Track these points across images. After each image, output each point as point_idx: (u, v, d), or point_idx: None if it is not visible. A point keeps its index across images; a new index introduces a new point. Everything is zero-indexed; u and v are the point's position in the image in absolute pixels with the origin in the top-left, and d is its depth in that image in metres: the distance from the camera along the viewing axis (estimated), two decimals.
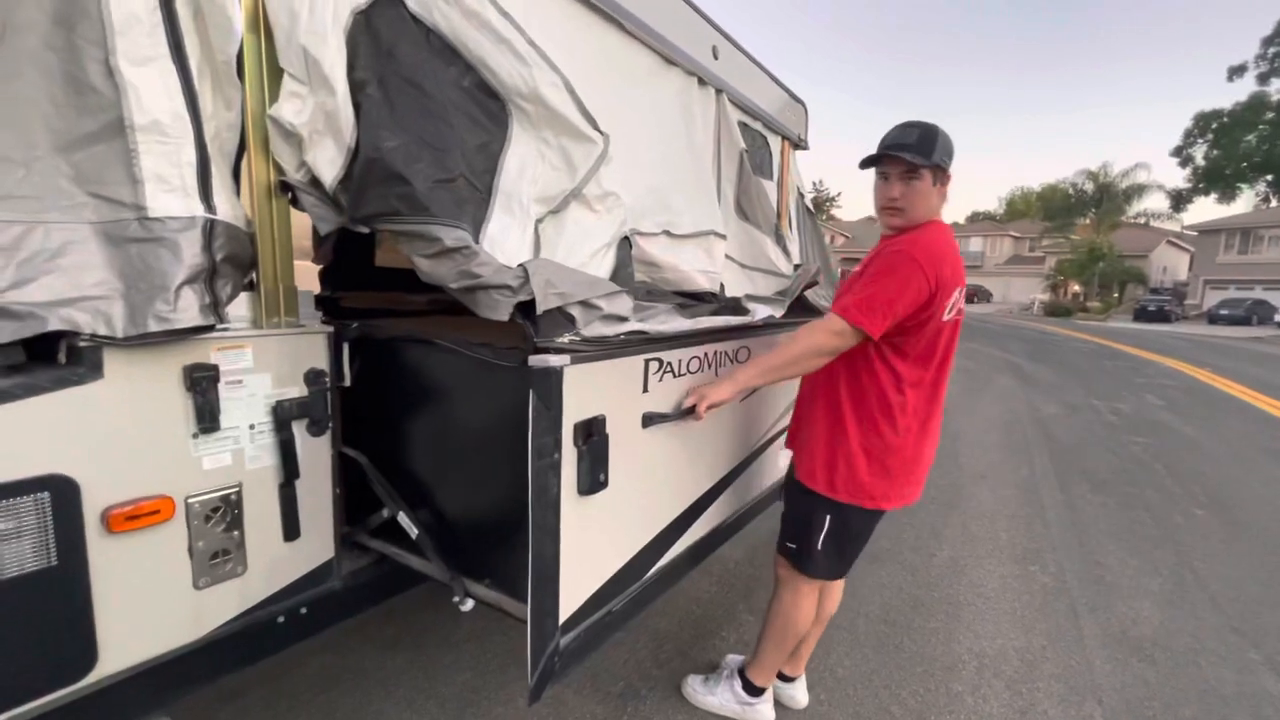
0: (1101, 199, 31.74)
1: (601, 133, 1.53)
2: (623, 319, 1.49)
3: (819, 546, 1.81)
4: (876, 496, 1.72)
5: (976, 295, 41.83)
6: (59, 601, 1.10)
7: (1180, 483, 4.74)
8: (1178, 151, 33.28)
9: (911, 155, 1.60)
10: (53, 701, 1.11)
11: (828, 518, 1.78)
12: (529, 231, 1.42)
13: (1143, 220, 32.57)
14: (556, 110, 1.45)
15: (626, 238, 1.69)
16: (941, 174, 1.65)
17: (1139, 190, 30.88)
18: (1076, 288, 34.93)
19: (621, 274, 1.61)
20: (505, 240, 1.35)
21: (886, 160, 1.65)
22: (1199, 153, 32.43)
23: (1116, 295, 34.16)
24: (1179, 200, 33.14)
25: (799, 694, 2.16)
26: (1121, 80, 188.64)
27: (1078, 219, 33.86)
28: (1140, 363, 12.29)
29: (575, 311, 1.35)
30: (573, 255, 1.48)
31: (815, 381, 1.81)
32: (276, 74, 1.29)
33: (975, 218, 67.14)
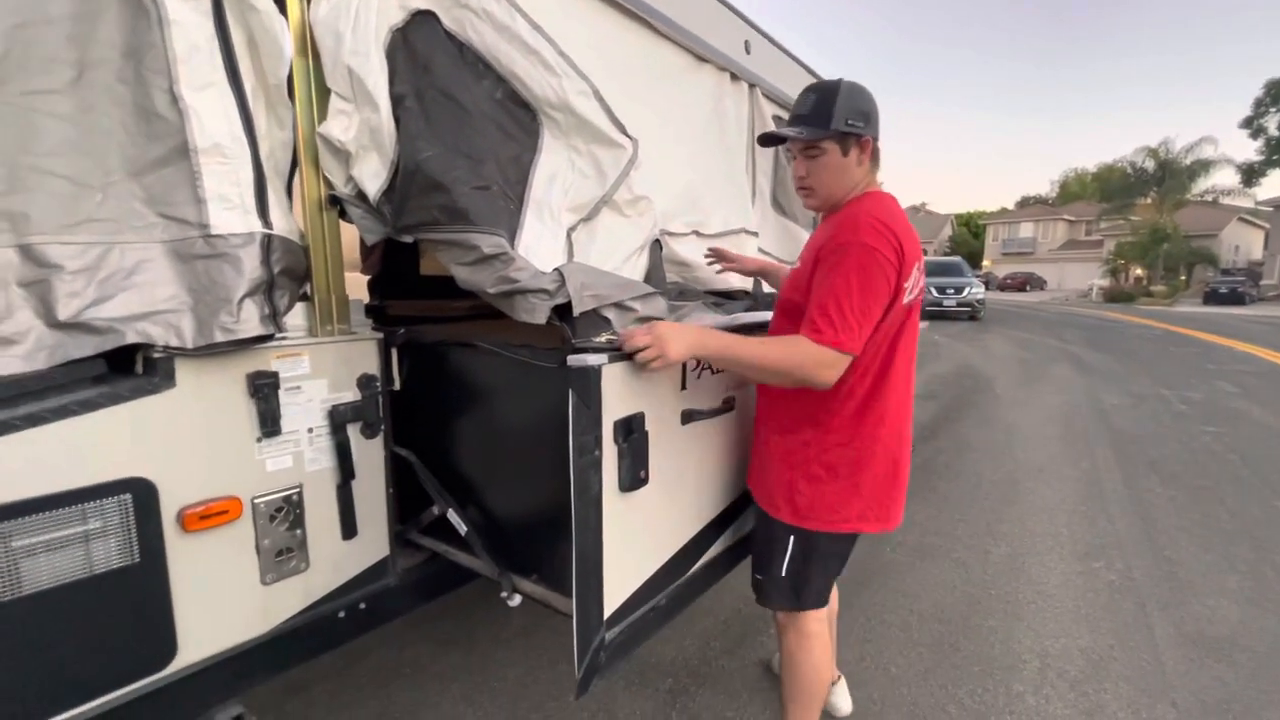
0: (1164, 177, 29.93)
1: (631, 138, 1.54)
2: (658, 320, 1.50)
3: (782, 573, 1.57)
4: (852, 518, 1.48)
5: (1029, 283, 40.16)
6: (142, 596, 1.18)
7: (1259, 474, 4.45)
8: (1248, 122, 31.07)
9: (797, 131, 1.37)
10: (139, 689, 1.20)
11: (791, 537, 1.54)
12: (561, 239, 1.45)
13: (1211, 197, 30.49)
14: (586, 118, 1.47)
15: (657, 240, 1.70)
16: (853, 140, 1.38)
17: (1205, 166, 28.96)
18: (1139, 271, 33.09)
19: (654, 276, 1.62)
20: (539, 248, 1.38)
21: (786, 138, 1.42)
22: (1271, 123, 30.29)
23: (1183, 278, 32.21)
24: (1251, 174, 30.89)
25: (840, 700, 2.05)
26: (1180, 51, 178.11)
27: (1138, 199, 32.02)
28: (1211, 348, 11.57)
29: (610, 314, 1.37)
30: (606, 261, 1.50)
31: (764, 392, 1.61)
32: (324, 94, 1.36)
33: (1025, 202, 64.54)
